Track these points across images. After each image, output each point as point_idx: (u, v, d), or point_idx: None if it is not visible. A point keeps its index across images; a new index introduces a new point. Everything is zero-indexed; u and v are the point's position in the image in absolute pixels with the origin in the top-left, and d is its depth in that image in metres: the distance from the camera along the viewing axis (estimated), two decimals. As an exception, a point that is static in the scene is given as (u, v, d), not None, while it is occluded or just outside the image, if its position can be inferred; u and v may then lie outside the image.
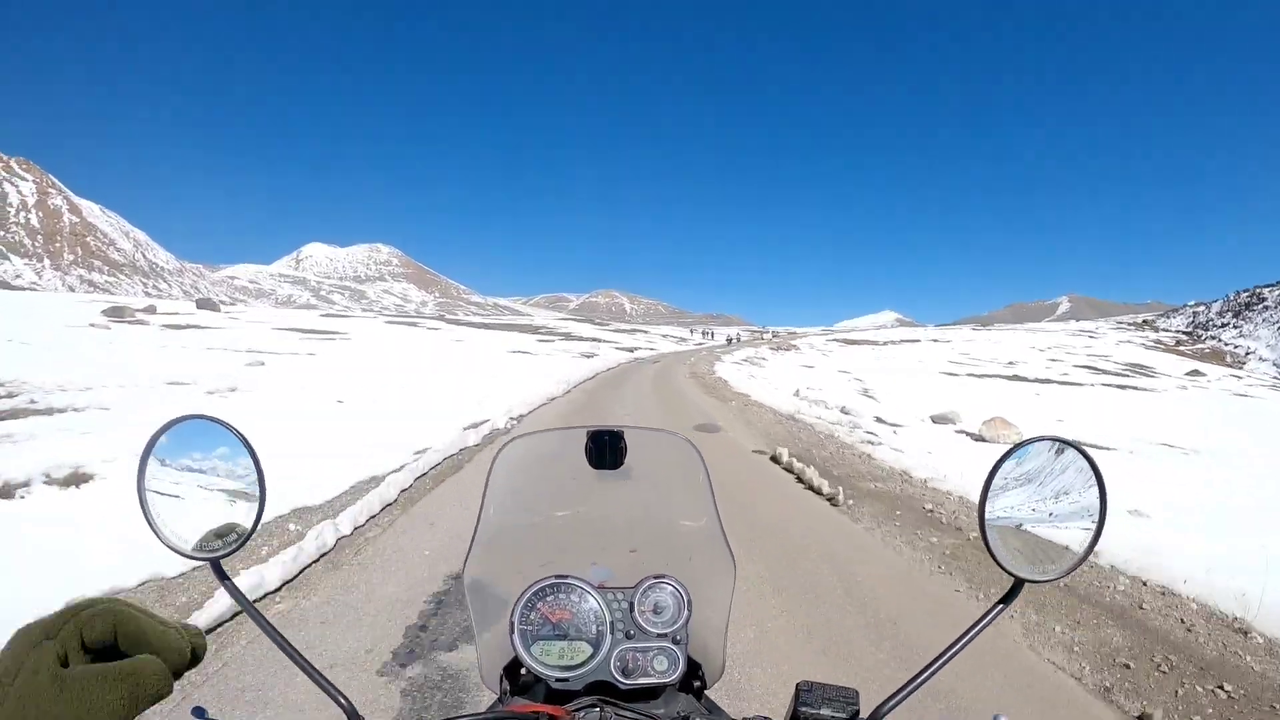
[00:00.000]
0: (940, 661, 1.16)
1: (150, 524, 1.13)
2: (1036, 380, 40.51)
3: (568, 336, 61.42)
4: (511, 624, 1.29)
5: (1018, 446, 1.24)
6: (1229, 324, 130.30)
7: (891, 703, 1.11)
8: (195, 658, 0.79)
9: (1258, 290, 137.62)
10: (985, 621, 1.18)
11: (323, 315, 68.83)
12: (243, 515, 1.21)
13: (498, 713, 1.12)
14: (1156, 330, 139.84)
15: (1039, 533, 1.23)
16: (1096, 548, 1.28)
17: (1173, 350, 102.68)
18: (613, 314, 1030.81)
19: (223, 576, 1.17)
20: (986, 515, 1.22)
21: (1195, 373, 63.42)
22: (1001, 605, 1.18)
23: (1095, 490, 1.18)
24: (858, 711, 1.14)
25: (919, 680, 1.14)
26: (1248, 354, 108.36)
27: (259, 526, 1.20)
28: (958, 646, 1.17)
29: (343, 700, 1.09)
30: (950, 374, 42.67)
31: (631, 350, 49.88)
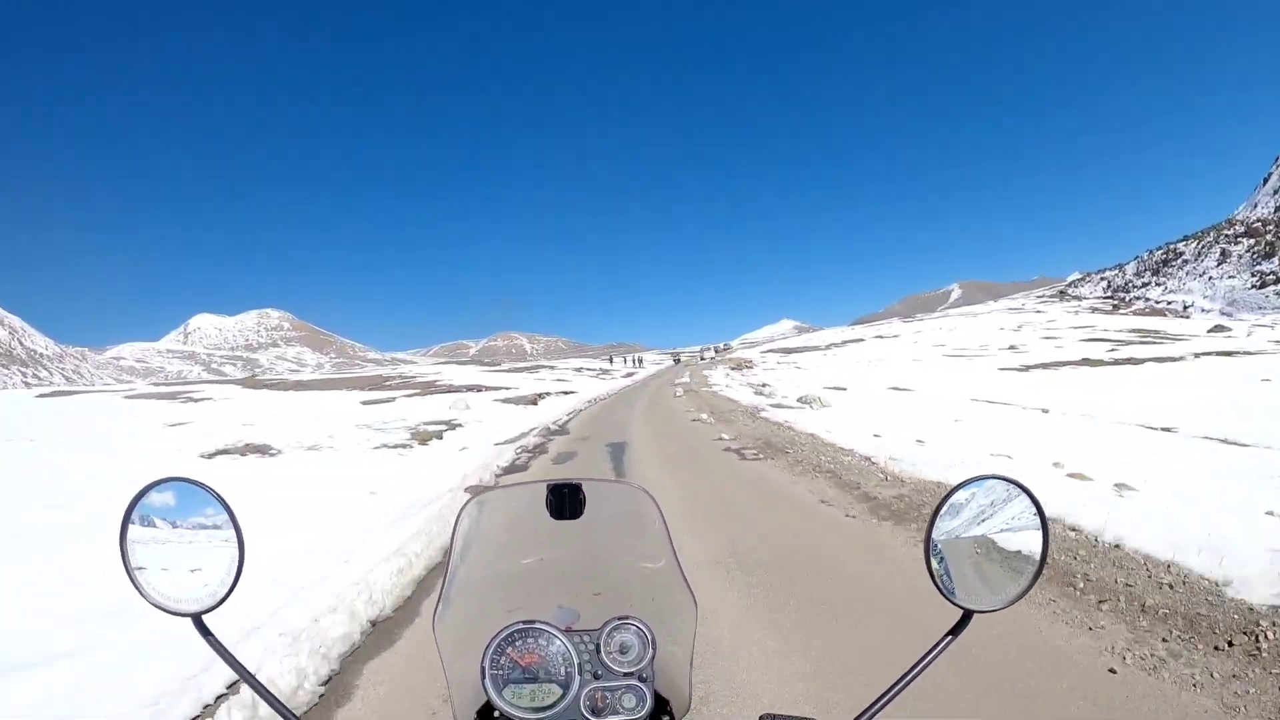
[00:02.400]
0: (894, 691, 1.22)
1: (133, 582, 1.21)
2: (1062, 364, 34.57)
3: (421, 387, 38.01)
4: (483, 669, 1.32)
5: (961, 485, 1.30)
6: (1150, 283, 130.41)
7: None
8: None
9: (1172, 247, 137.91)
10: (935, 653, 1.24)
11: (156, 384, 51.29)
12: (223, 572, 1.27)
13: None
14: (1079, 299, 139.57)
15: (982, 565, 1.29)
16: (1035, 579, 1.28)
17: (1114, 314, 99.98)
18: (512, 355, 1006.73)
19: (205, 632, 1.24)
20: (933, 547, 1.28)
21: (1219, 328, 55.44)
22: (950, 637, 1.25)
23: (1038, 526, 1.27)
24: None
25: (877, 706, 1.21)
26: (1187, 307, 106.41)
27: (238, 584, 1.27)
28: (909, 677, 1.22)
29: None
30: (1005, 367, 35.13)
31: (532, 400, 29.60)
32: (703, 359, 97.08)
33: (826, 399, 20.86)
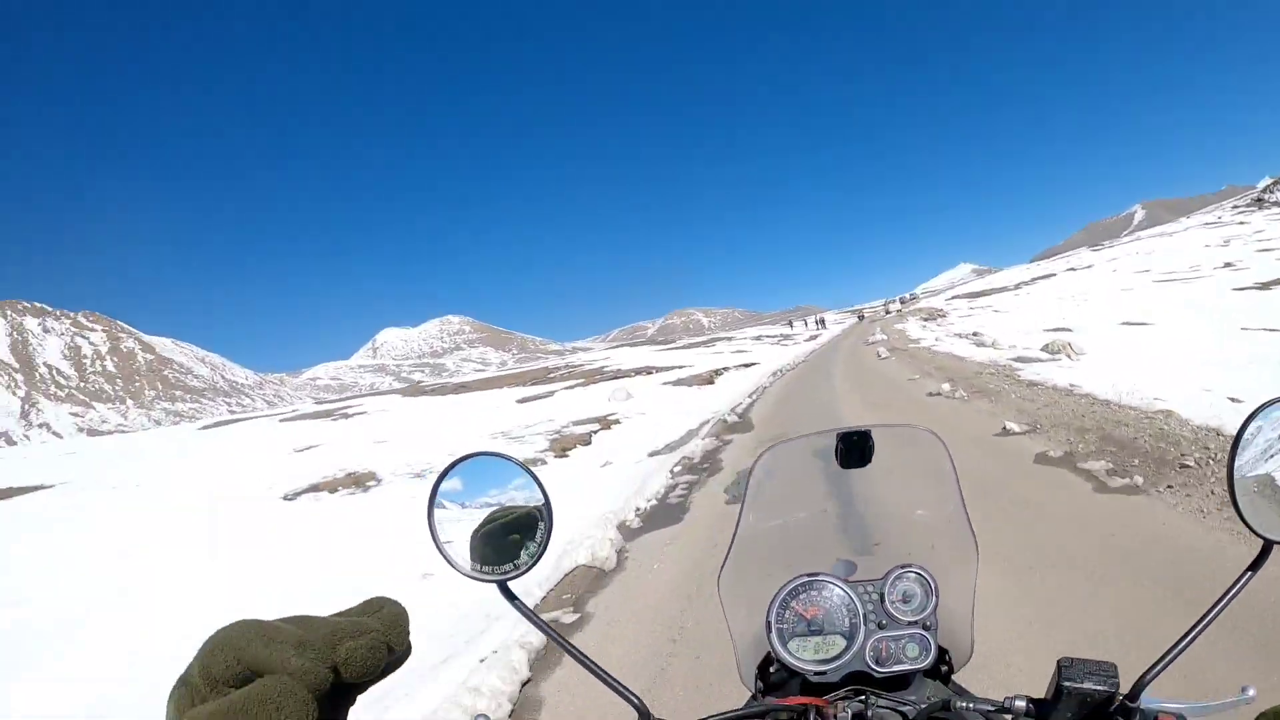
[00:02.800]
0: (1193, 634, 1.14)
1: (440, 551, 1.22)
2: None
3: (587, 375, 35.91)
4: (768, 623, 1.32)
5: (1266, 405, 1.19)
6: None
7: (1150, 674, 1.12)
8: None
9: None
10: (1234, 591, 1.16)
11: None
12: (532, 541, 1.27)
13: (766, 705, 1.23)
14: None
15: None
16: None
17: None
18: (690, 331, 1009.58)
19: (510, 597, 1.24)
20: (1236, 475, 1.18)
21: None
22: (1250, 572, 1.16)
23: None
24: (1118, 684, 1.13)
25: (1175, 652, 1.14)
26: None
27: (547, 549, 1.27)
28: (1209, 618, 1.15)
29: (634, 700, 1.17)
30: (1242, 287, 28.50)
31: (707, 379, 26.50)
32: (888, 313, 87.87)
33: (1079, 345, 16.22)
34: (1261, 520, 1.15)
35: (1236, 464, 1.17)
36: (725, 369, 29.27)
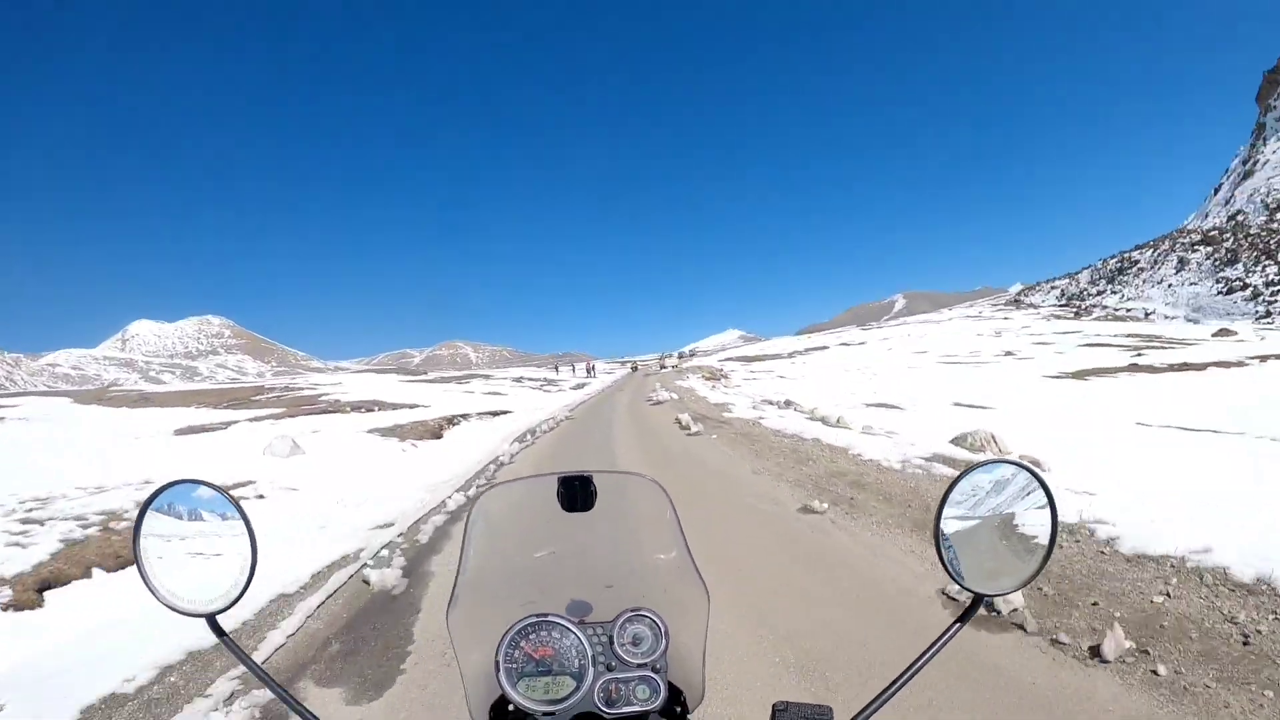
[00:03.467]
0: (905, 678, 1.23)
1: (147, 584, 1.23)
2: (1114, 370, 28.04)
3: (293, 404, 27.47)
4: (497, 663, 1.32)
5: (970, 469, 1.33)
6: (1105, 290, 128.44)
7: (863, 715, 1.20)
8: None
9: (1126, 255, 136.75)
10: (946, 639, 1.27)
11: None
12: (237, 572, 1.29)
13: None
14: (1035, 308, 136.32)
15: (992, 547, 1.31)
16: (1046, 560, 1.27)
17: (1080, 320, 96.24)
18: (456, 364, 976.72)
19: (219, 632, 1.25)
20: (942, 533, 1.30)
21: (1224, 332, 50.84)
22: (960, 623, 1.27)
23: (1046, 509, 1.28)
24: None
25: (889, 693, 1.22)
26: (1149, 314, 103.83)
27: (251, 584, 1.29)
28: (920, 663, 1.25)
29: None
30: (1054, 375, 27.31)
31: (434, 431, 19.12)
32: (664, 367, 78.13)
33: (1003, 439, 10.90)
34: (966, 575, 1.28)
35: (942, 523, 1.29)
36: (467, 415, 22.91)
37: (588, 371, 77.86)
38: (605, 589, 1.48)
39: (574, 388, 47.91)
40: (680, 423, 18.35)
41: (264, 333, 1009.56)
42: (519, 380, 53.04)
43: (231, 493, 1.33)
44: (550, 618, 1.35)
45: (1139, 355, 34.68)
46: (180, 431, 18.13)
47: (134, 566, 1.29)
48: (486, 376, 56.72)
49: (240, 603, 1.24)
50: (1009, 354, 43.11)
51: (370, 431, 18.26)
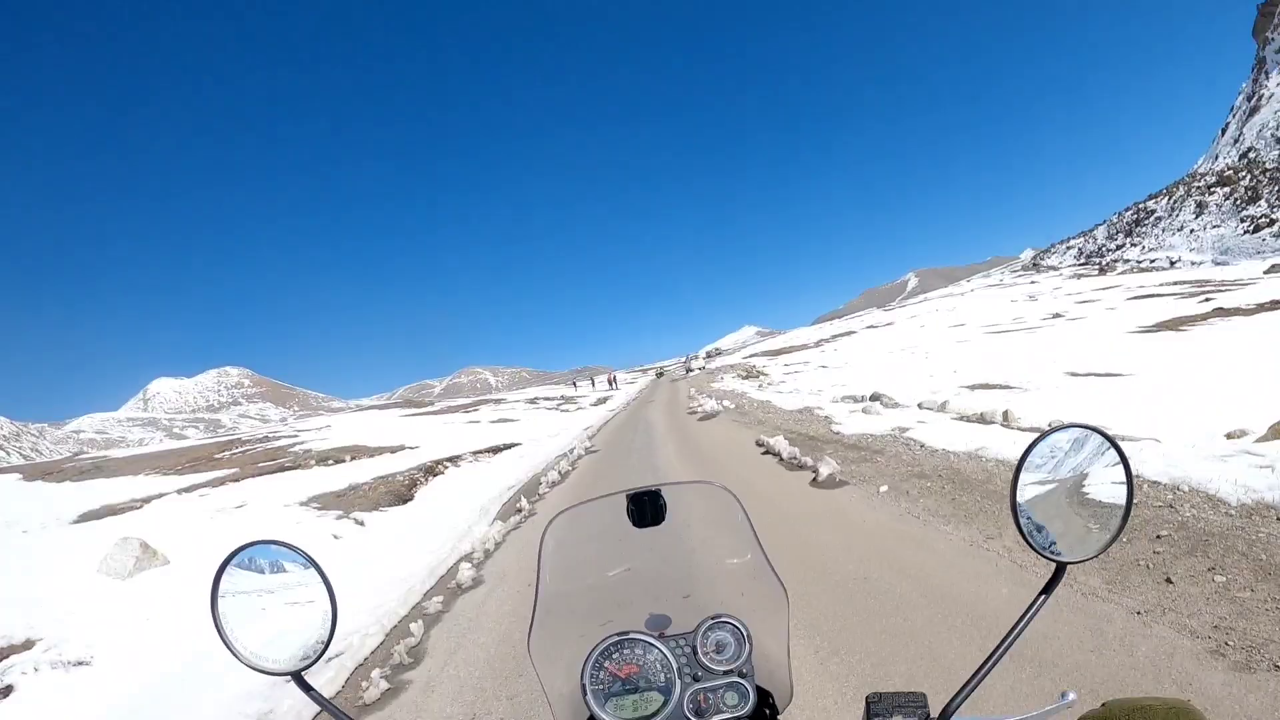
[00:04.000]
0: (996, 656, 1.22)
1: (228, 645, 1.23)
2: (1193, 319, 24.13)
3: (261, 457, 22.94)
4: (583, 686, 1.33)
5: (1043, 435, 1.29)
6: (1124, 244, 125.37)
7: (958, 700, 1.18)
8: None
9: (1141, 206, 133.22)
10: (1031, 614, 1.25)
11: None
12: (318, 628, 1.30)
13: None
14: (1056, 269, 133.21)
15: (1071, 515, 1.29)
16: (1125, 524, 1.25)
17: (1107, 276, 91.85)
18: (476, 390, 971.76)
19: (306, 688, 1.26)
20: (1019, 501, 1.27)
21: (1276, 268, 48.57)
22: (1044, 595, 1.25)
23: (1121, 471, 1.26)
24: (928, 713, 1.18)
25: (980, 675, 1.21)
26: (1174, 263, 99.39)
27: (334, 637, 1.30)
28: (1010, 639, 1.22)
29: None
30: (1138, 329, 23.07)
31: (401, 490, 14.30)
32: (690, 370, 69.69)
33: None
34: (1047, 544, 1.25)
35: (1020, 490, 1.26)
36: (458, 458, 18.39)
37: (610, 384, 69.01)
38: (683, 599, 1.48)
39: (595, 404, 43.40)
40: (772, 451, 12.61)
41: (283, 378, 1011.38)
42: (534, 402, 47.12)
43: (305, 550, 1.26)
44: (631, 635, 1.35)
45: (1207, 300, 31.34)
46: (85, 516, 13.97)
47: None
48: (498, 401, 50.44)
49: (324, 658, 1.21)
50: (1057, 316, 39.79)
51: (308, 502, 13.44)
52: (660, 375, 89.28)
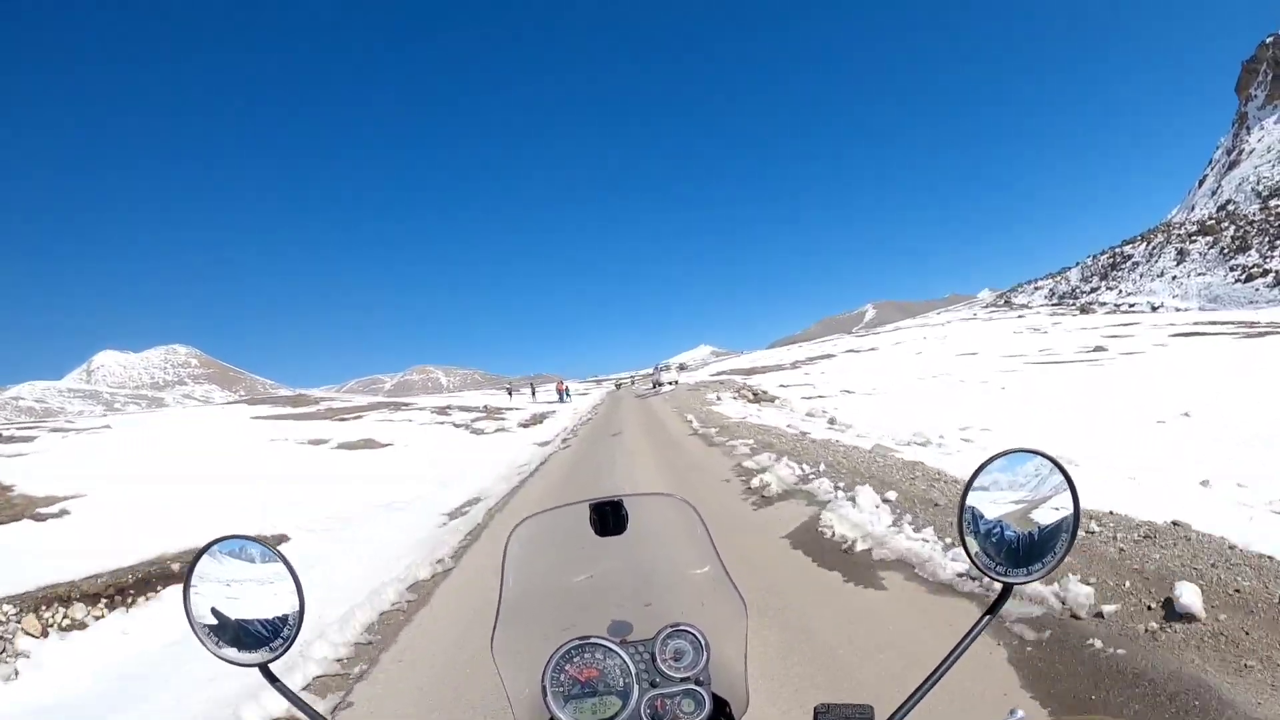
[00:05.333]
0: (942, 669, 1.22)
1: (198, 636, 1.25)
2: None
3: None
4: (543, 688, 1.33)
5: (991, 459, 1.30)
6: (1099, 287, 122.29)
7: (902, 711, 1.18)
8: None
9: (1118, 250, 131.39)
10: (976, 632, 1.24)
11: None
12: (286, 623, 1.30)
13: None
14: (1027, 307, 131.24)
15: (1016, 536, 1.27)
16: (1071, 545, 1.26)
17: (1091, 315, 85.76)
18: (427, 389, 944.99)
19: (272, 679, 1.27)
20: (966, 522, 1.28)
21: None
22: (989, 615, 1.26)
23: (1068, 495, 1.27)
24: None
25: (925, 689, 1.20)
26: (1155, 308, 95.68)
27: (300, 631, 1.31)
28: (954, 655, 1.23)
29: None
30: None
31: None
32: (660, 386, 51.74)
33: None
34: (993, 565, 1.26)
35: (966, 511, 1.27)
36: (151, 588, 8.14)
37: (560, 396, 52.02)
38: (644, 607, 1.48)
39: (527, 423, 29.84)
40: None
41: (233, 361, 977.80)
42: (444, 411, 33.89)
43: (275, 547, 1.30)
44: (593, 639, 1.35)
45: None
46: None
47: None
48: (401, 405, 37.73)
49: (290, 651, 1.29)
50: (1099, 349, 32.14)
51: None
52: (618, 388, 75.95)
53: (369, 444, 20.41)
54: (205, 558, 1.29)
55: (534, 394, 59.70)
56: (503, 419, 30.79)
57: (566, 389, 54.84)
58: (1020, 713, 1.08)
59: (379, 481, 14.69)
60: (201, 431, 23.09)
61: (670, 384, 51.59)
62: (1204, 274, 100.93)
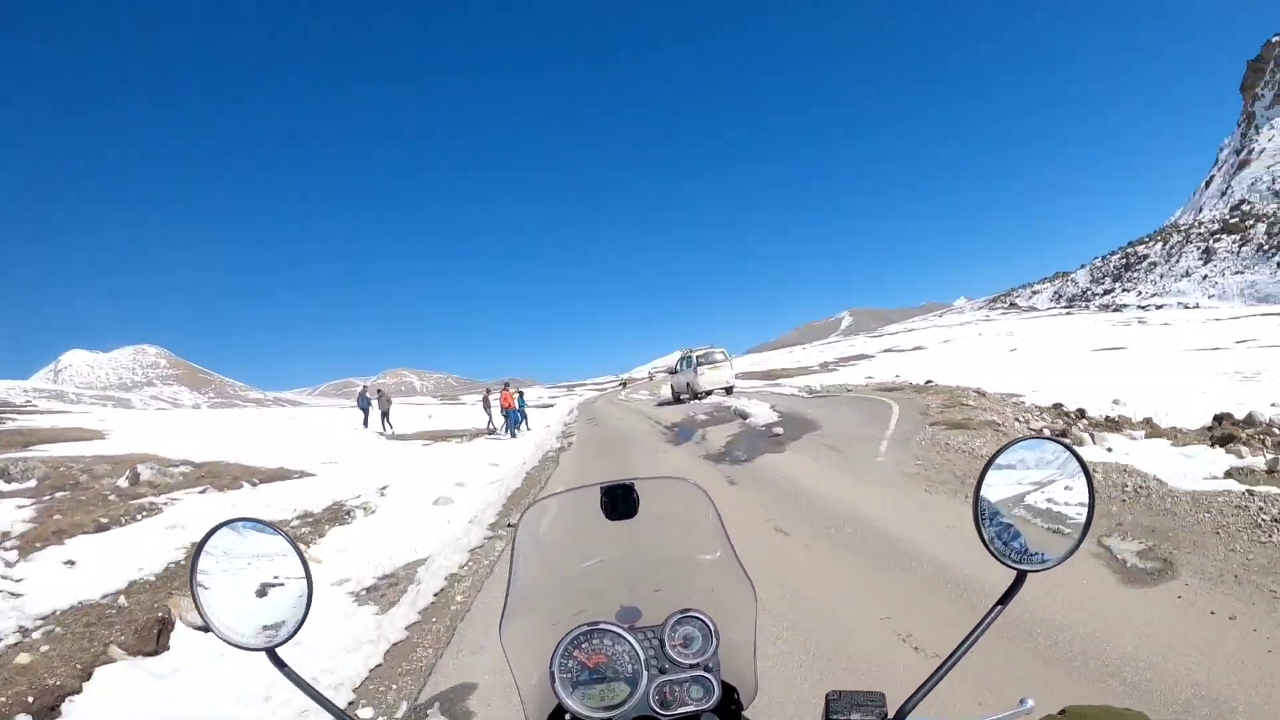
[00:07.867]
0: (955, 657, 1.20)
1: (206, 620, 1.21)
2: None
3: None
4: (551, 674, 1.30)
5: (1006, 446, 1.28)
6: (1113, 289, 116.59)
7: (914, 700, 1.16)
8: None
9: (1131, 250, 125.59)
10: (990, 619, 1.22)
11: None
12: (293, 607, 1.26)
13: None
14: (1034, 309, 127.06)
15: (1032, 524, 1.26)
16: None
17: (1119, 313, 79.03)
18: (401, 392, 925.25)
19: (279, 664, 1.23)
20: (981, 510, 1.25)
21: None
22: (1003, 603, 1.23)
23: (1083, 481, 1.24)
24: (885, 713, 1.17)
25: (937, 676, 1.19)
26: (1189, 308, 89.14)
27: (309, 616, 1.26)
28: (967, 644, 1.21)
29: None
30: None
31: None
32: (695, 395, 29.67)
33: None
34: (1009, 552, 1.23)
35: (982, 500, 1.25)
36: None
37: (507, 421, 25.10)
38: (653, 593, 1.45)
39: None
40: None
41: (202, 362, 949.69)
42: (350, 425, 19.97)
43: (283, 529, 1.27)
44: (601, 625, 1.33)
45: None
46: None
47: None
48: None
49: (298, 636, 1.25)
50: (1226, 349, 20.85)
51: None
52: (625, 386, 62.15)
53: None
54: (215, 539, 1.24)
55: (488, 409, 27.95)
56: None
57: (521, 395, 26.78)
58: (1030, 701, 1.07)
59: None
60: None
61: (722, 390, 29.19)
62: (1241, 272, 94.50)
